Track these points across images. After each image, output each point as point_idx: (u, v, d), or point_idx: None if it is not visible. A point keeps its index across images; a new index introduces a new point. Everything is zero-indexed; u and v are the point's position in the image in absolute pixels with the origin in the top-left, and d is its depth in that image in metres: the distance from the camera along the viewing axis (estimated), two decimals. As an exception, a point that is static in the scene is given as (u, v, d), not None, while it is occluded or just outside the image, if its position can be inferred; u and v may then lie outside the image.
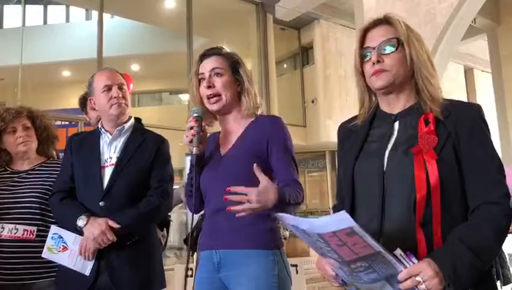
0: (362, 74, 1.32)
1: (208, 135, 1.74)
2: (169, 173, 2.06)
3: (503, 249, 4.00)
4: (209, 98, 1.67)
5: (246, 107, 1.70)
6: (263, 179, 1.41)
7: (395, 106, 1.31)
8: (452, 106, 1.23)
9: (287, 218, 1.11)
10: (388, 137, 1.27)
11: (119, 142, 2.04)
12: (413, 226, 1.14)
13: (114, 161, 1.99)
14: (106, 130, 2.05)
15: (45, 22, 11.88)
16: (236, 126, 1.72)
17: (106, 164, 1.99)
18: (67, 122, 7.41)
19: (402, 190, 1.17)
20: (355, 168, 1.29)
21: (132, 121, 2.11)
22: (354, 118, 1.41)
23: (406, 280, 1.05)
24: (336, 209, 1.37)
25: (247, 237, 1.57)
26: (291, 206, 1.51)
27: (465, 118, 1.20)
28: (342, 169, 1.36)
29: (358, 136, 1.33)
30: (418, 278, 1.04)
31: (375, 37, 1.28)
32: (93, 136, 2.08)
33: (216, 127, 1.82)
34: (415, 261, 1.07)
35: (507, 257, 4.03)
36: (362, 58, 1.30)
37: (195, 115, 1.64)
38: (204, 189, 1.69)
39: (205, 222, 1.70)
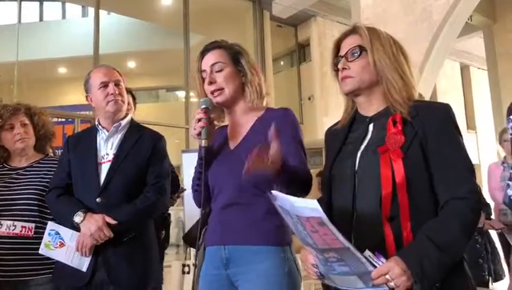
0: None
1: (216, 128, 1.70)
2: (166, 169, 2.07)
3: (496, 246, 4.04)
4: (212, 93, 1.64)
5: (249, 98, 1.66)
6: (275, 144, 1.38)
7: (369, 109, 1.38)
8: (420, 107, 1.29)
9: (276, 197, 1.14)
10: (362, 138, 1.34)
11: (116, 139, 2.04)
12: (381, 222, 1.19)
13: (111, 157, 1.99)
14: (103, 127, 2.06)
15: (41, 18, 11.82)
16: (245, 119, 1.67)
17: (103, 161, 2.00)
18: (63, 119, 7.40)
19: (370, 188, 1.24)
20: (332, 169, 1.38)
21: (129, 117, 2.12)
22: (338, 122, 1.48)
23: (376, 279, 1.10)
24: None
25: (258, 233, 1.52)
26: (294, 179, 1.49)
27: (433, 118, 1.25)
28: (325, 171, 1.43)
29: (338, 139, 1.42)
30: (387, 277, 1.09)
31: (345, 46, 1.38)
32: (90, 133, 2.09)
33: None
34: (384, 260, 1.11)
35: (500, 253, 4.06)
36: (336, 66, 1.41)
37: (203, 106, 1.60)
38: (213, 184, 1.64)
39: (212, 218, 1.64)
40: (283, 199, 1.13)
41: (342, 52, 1.38)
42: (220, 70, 1.64)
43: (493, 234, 4.16)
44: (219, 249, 1.57)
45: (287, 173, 1.43)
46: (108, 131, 2.04)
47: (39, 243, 1.95)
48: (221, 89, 1.63)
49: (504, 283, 4.04)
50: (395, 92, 1.30)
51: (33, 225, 2.09)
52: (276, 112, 1.65)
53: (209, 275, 1.59)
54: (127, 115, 2.11)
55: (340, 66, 1.36)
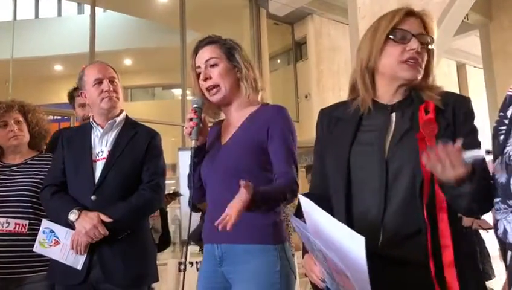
0: (380, 53, 1.28)
1: (210, 125, 1.69)
2: (162, 167, 2.06)
3: (486, 246, 4.03)
4: (208, 90, 1.63)
5: (245, 93, 1.64)
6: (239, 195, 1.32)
7: (392, 98, 1.31)
8: (449, 97, 1.28)
9: (301, 224, 1.09)
10: (387, 126, 1.28)
11: (111, 136, 2.03)
12: (419, 210, 1.16)
13: (105, 154, 1.98)
14: (97, 124, 2.04)
15: (37, 15, 11.76)
16: (239, 114, 1.65)
17: (98, 158, 1.99)
18: (59, 117, 7.37)
19: (406, 176, 1.20)
20: (351, 157, 1.28)
21: (124, 114, 2.10)
22: (339, 105, 1.40)
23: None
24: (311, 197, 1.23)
25: (248, 232, 1.50)
26: (272, 203, 1.46)
27: (460, 109, 1.25)
28: (331, 157, 1.34)
29: (349, 124, 1.32)
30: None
31: (413, 26, 1.26)
32: (85, 130, 2.07)
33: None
34: None
35: (491, 253, 4.06)
36: (389, 37, 1.26)
37: (194, 106, 1.59)
38: (203, 180, 1.65)
39: (206, 214, 1.64)
40: (308, 237, 1.05)
41: (412, 30, 1.24)
42: (215, 65, 1.62)
43: (483, 234, 4.15)
44: (213, 247, 1.58)
45: (263, 200, 1.38)
46: (102, 128, 2.03)
47: (33, 240, 1.94)
48: (217, 85, 1.61)
49: (499, 281, 4.05)
50: (431, 82, 1.30)
51: (27, 221, 2.08)
52: (268, 110, 1.63)
53: (206, 272, 1.61)
54: (121, 111, 2.10)
55: (415, 45, 1.23)
